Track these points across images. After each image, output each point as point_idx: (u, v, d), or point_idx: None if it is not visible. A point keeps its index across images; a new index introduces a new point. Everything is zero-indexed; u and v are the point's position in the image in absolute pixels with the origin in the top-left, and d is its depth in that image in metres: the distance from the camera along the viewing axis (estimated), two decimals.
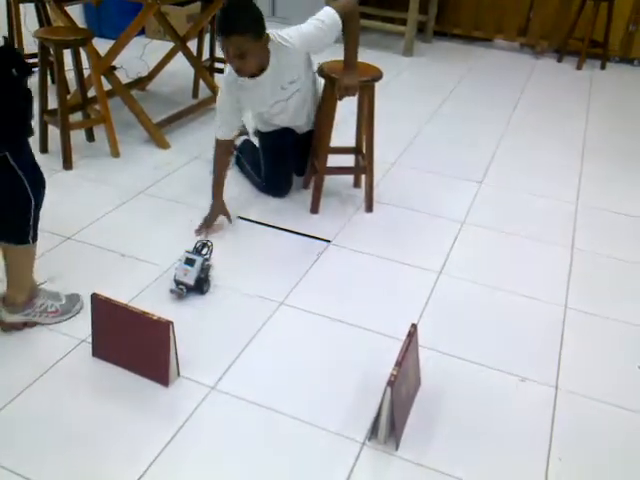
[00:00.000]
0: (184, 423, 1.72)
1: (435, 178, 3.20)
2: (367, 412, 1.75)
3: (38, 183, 1.83)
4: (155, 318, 1.77)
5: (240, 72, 2.40)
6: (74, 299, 2.08)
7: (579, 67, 5.19)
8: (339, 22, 2.40)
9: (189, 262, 2.15)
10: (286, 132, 2.80)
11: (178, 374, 1.86)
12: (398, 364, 1.67)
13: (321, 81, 2.69)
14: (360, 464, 1.65)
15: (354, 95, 2.53)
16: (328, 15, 2.41)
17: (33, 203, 1.81)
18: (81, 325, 2.00)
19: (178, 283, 2.15)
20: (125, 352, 1.86)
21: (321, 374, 1.92)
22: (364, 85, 2.56)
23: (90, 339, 1.94)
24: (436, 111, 4.09)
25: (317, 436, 1.72)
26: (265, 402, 1.80)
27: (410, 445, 1.71)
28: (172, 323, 1.76)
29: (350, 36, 2.47)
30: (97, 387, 1.83)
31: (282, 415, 1.77)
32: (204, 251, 2.23)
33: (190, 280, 2.13)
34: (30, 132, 1.76)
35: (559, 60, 5.37)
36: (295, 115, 2.72)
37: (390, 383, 1.62)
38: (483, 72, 4.98)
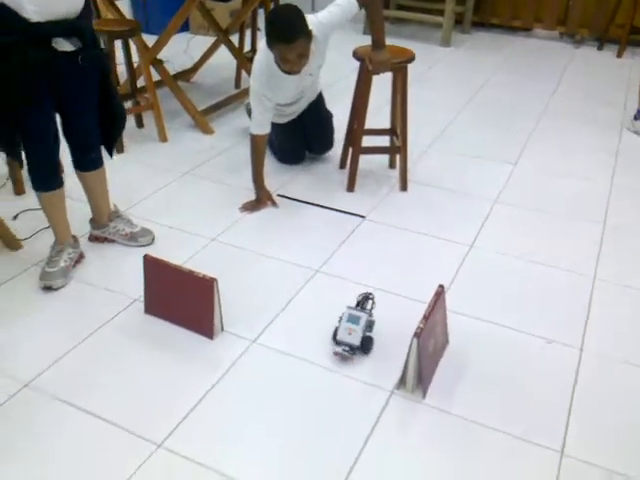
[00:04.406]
0: (226, 371, 1.88)
1: (469, 160, 3.28)
2: (397, 364, 1.86)
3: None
4: (200, 276, 1.93)
5: (295, 71, 2.56)
6: (146, 232, 2.46)
7: (619, 55, 5.16)
8: (355, 4, 2.53)
9: (353, 319, 1.94)
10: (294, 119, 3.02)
11: (222, 329, 2.02)
12: (425, 318, 1.78)
13: None
14: (388, 410, 1.77)
15: (386, 71, 2.66)
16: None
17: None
18: (134, 286, 2.17)
19: (340, 343, 1.93)
20: (174, 308, 2.03)
21: None
22: (397, 67, 2.67)
23: (142, 298, 2.11)
24: (473, 99, 4.16)
25: (348, 385, 1.85)
26: (300, 354, 1.94)
27: (437, 395, 1.82)
28: (216, 280, 1.92)
29: (374, 19, 2.59)
30: (149, 340, 2.00)
31: (316, 366, 1.90)
32: (367, 305, 2.01)
33: (356, 340, 1.92)
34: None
35: (599, 48, 5.35)
36: (306, 102, 2.94)
37: (417, 334, 1.73)
38: (521, 61, 5.01)
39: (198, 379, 1.84)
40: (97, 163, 2.32)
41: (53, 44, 1.93)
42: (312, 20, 2.53)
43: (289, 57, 2.43)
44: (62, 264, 2.22)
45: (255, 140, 2.70)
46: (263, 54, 2.58)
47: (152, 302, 2.08)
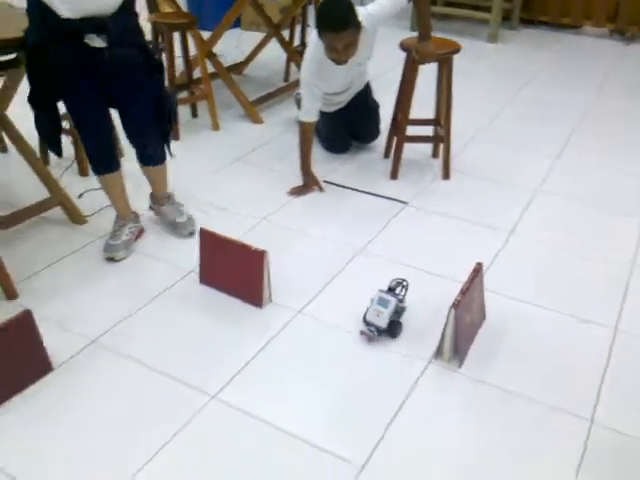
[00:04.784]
0: (274, 336, 2.02)
1: (512, 152, 3.34)
2: (435, 338, 1.96)
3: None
4: (252, 248, 2.07)
5: (343, 61, 2.68)
6: (188, 225, 2.52)
7: None
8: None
9: (382, 302, 2.00)
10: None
11: (270, 299, 2.15)
12: (462, 292, 1.88)
13: None
14: (424, 377, 1.87)
15: (432, 61, 2.76)
16: None
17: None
18: (190, 258, 2.33)
19: (369, 324, 2.00)
20: (226, 279, 2.18)
21: None
22: (443, 58, 2.76)
23: (197, 269, 2.27)
24: (518, 93, 4.20)
25: (387, 355, 1.96)
26: (342, 326, 2.06)
27: (473, 365, 1.91)
28: (266, 252, 2.06)
29: (421, 11, 2.70)
30: (203, 307, 2.16)
31: (356, 336, 2.02)
32: (398, 290, 2.06)
33: (383, 323, 1.98)
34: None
35: None
36: (354, 92, 3.06)
37: (454, 305, 1.83)
38: (569, 58, 5.00)
39: (248, 342, 1.99)
40: (155, 159, 2.42)
41: (86, 40, 1.99)
42: (362, 12, 2.64)
43: (337, 46, 2.55)
44: (124, 237, 2.40)
45: (304, 127, 2.83)
46: (314, 45, 2.71)
47: (206, 273, 2.23)
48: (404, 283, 2.07)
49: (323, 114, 3.01)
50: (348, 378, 1.87)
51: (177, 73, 3.80)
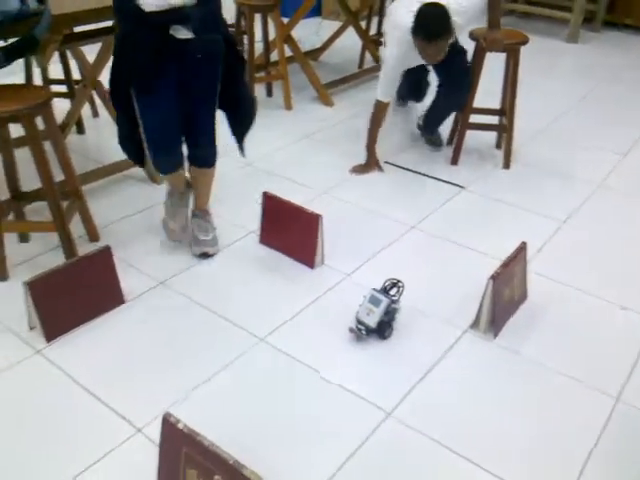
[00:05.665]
0: (322, 294, 2.18)
1: (578, 148, 3.35)
2: (473, 309, 2.06)
3: None
4: (309, 211, 2.24)
5: (431, 62, 2.81)
6: (207, 244, 2.35)
7: None
8: None
9: (374, 301, 1.95)
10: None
11: (322, 262, 2.31)
12: (503, 266, 1.97)
13: None
14: (458, 344, 1.98)
15: (499, 50, 2.83)
16: None
17: None
18: (251, 220, 2.52)
19: (359, 322, 1.97)
20: (283, 240, 2.35)
21: (437, 278, 2.28)
22: (510, 47, 2.83)
23: (257, 231, 2.46)
24: (591, 92, 4.17)
25: (427, 321, 2.08)
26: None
27: (507, 337, 2.01)
28: (321, 216, 2.22)
29: (492, 3, 2.76)
30: (259, 263, 2.34)
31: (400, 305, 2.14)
32: (393, 291, 2.00)
33: (372, 322, 1.94)
34: None
35: None
36: None
37: (493, 277, 1.93)
38: None
39: (298, 297, 2.16)
40: (203, 162, 2.25)
41: (171, 31, 1.93)
42: (456, 9, 2.65)
43: (428, 52, 2.67)
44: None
45: (379, 106, 2.93)
46: (402, 32, 2.69)
47: (266, 233, 2.41)
48: (399, 284, 2.01)
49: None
50: (381, 346, 1.99)
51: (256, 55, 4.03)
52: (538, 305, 2.15)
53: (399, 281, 2.01)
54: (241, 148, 2.33)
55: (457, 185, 2.93)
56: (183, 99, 2.07)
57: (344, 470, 1.58)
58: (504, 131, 3.10)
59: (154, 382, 1.82)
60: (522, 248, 2.09)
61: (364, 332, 1.95)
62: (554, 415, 1.76)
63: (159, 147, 2.13)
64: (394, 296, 1.98)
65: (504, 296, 2.01)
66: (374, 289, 1.98)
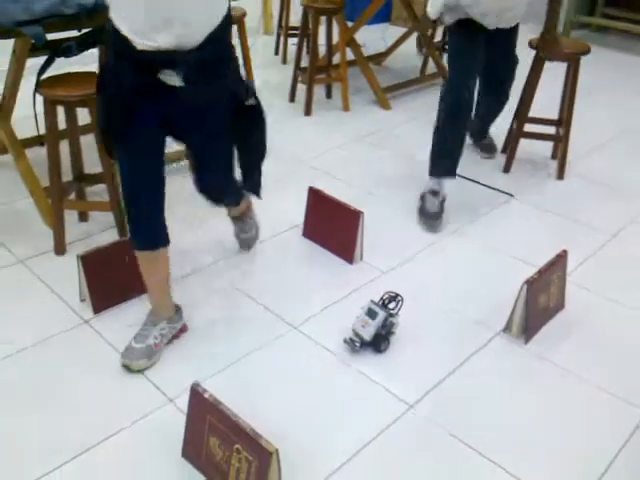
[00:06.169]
0: (357, 288, 2.24)
1: (636, 166, 3.25)
2: (509, 313, 2.06)
3: None
4: (351, 208, 2.29)
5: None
6: (244, 243, 2.40)
7: None
8: None
9: (371, 314, 1.91)
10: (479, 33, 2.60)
11: (361, 258, 2.36)
12: (540, 272, 1.97)
13: None
14: (489, 345, 1.99)
15: (559, 59, 2.83)
16: None
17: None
18: (298, 214, 2.59)
19: (355, 334, 1.93)
20: (325, 234, 2.42)
21: (474, 281, 2.30)
22: (570, 57, 2.80)
23: (301, 224, 2.53)
24: None
25: (460, 321, 2.09)
26: (420, 295, 2.21)
27: (539, 343, 2.00)
28: (362, 213, 2.27)
29: (551, 12, 2.73)
30: (300, 256, 2.43)
31: (432, 305, 2.17)
32: (391, 305, 1.96)
33: (367, 335, 1.90)
34: None
35: None
36: (509, 21, 2.63)
37: (527, 282, 1.92)
38: None
39: (333, 290, 2.22)
40: (229, 205, 2.21)
41: (160, 76, 1.61)
42: None
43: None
44: (150, 341, 1.87)
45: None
46: None
47: (309, 227, 2.49)
48: (398, 298, 1.96)
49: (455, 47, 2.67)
50: (413, 335, 2.03)
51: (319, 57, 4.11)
52: (574, 315, 2.13)
53: (398, 295, 1.97)
54: (256, 192, 2.07)
55: (506, 193, 2.91)
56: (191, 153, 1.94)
57: (361, 455, 1.63)
58: (559, 141, 3.05)
59: (189, 358, 1.92)
60: (561, 256, 2.07)
61: (358, 344, 1.91)
62: (578, 423, 1.75)
63: (133, 205, 1.77)
64: (392, 309, 1.94)
65: (539, 302, 2.00)
66: (372, 301, 1.94)
